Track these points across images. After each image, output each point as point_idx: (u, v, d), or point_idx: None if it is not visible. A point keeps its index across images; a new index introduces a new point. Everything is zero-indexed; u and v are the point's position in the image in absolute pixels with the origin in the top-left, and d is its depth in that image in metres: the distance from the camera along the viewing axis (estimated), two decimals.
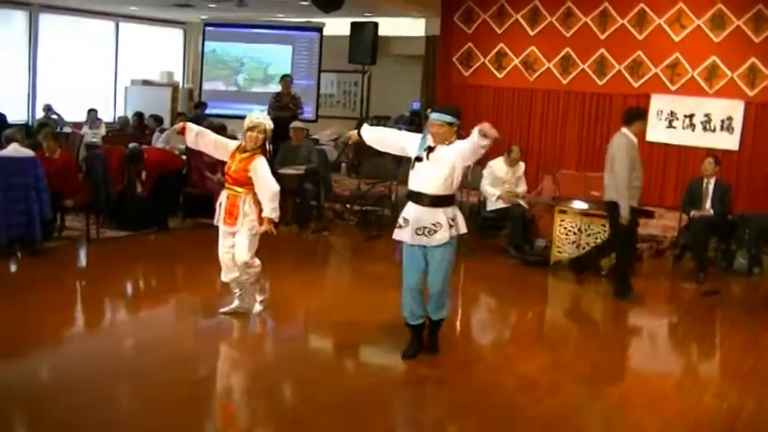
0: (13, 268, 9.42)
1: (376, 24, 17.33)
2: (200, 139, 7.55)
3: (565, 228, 10.47)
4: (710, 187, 10.64)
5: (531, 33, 14.91)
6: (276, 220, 7.37)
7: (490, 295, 9.72)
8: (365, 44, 17.32)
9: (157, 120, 16.47)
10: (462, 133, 6.54)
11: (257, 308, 7.81)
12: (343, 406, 5.88)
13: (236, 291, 7.77)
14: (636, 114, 9.35)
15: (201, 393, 5.99)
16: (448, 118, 6.43)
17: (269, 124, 7.44)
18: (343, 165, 17.05)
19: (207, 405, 5.80)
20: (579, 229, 10.34)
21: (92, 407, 5.56)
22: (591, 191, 10.42)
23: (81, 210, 10.78)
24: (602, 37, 14.26)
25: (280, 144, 12.32)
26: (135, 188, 11.69)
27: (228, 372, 6.52)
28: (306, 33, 18.10)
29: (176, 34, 21.82)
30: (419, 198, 6.53)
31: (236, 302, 7.79)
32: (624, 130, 9.16)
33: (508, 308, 9.06)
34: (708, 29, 13.39)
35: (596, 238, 10.23)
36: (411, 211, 6.57)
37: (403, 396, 6.23)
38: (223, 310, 7.76)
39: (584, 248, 10.28)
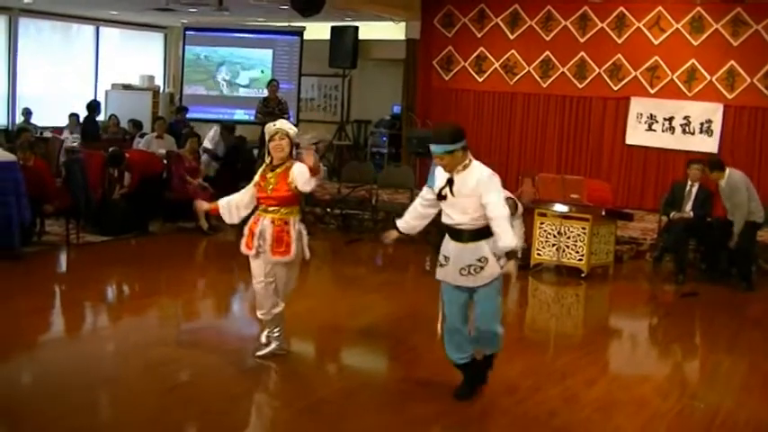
0: None
1: (356, 28, 17.34)
2: (236, 210, 6.78)
3: (545, 230, 10.49)
4: (694, 190, 10.64)
5: (511, 37, 14.95)
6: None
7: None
8: (346, 48, 17.32)
9: (137, 125, 16.41)
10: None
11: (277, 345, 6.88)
12: (324, 409, 5.88)
13: (276, 331, 6.78)
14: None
15: (181, 399, 5.96)
16: (446, 147, 5.67)
17: (291, 129, 6.72)
18: (324, 168, 17.03)
19: (186, 411, 5.77)
20: (559, 232, 10.36)
21: (69, 415, 5.54)
22: (570, 194, 10.44)
23: (61, 215, 10.74)
24: (582, 40, 14.31)
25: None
26: (115, 191, 11.62)
27: (208, 377, 6.48)
28: (286, 37, 18.06)
29: (157, 38, 21.75)
30: (457, 234, 5.84)
31: (273, 344, 6.81)
32: None
33: None
34: (687, 32, 13.47)
35: (575, 242, 10.28)
36: (451, 247, 5.90)
37: (385, 398, 6.22)
38: (260, 353, 6.78)
39: (563, 251, 10.34)
